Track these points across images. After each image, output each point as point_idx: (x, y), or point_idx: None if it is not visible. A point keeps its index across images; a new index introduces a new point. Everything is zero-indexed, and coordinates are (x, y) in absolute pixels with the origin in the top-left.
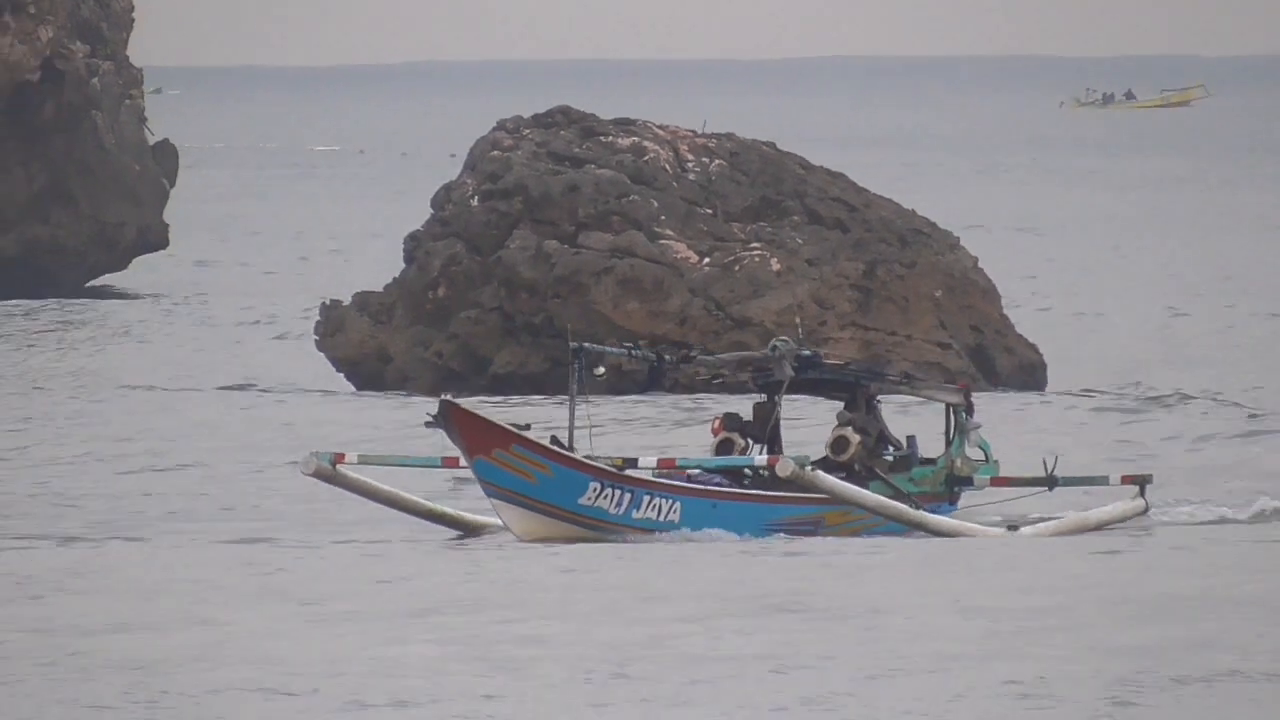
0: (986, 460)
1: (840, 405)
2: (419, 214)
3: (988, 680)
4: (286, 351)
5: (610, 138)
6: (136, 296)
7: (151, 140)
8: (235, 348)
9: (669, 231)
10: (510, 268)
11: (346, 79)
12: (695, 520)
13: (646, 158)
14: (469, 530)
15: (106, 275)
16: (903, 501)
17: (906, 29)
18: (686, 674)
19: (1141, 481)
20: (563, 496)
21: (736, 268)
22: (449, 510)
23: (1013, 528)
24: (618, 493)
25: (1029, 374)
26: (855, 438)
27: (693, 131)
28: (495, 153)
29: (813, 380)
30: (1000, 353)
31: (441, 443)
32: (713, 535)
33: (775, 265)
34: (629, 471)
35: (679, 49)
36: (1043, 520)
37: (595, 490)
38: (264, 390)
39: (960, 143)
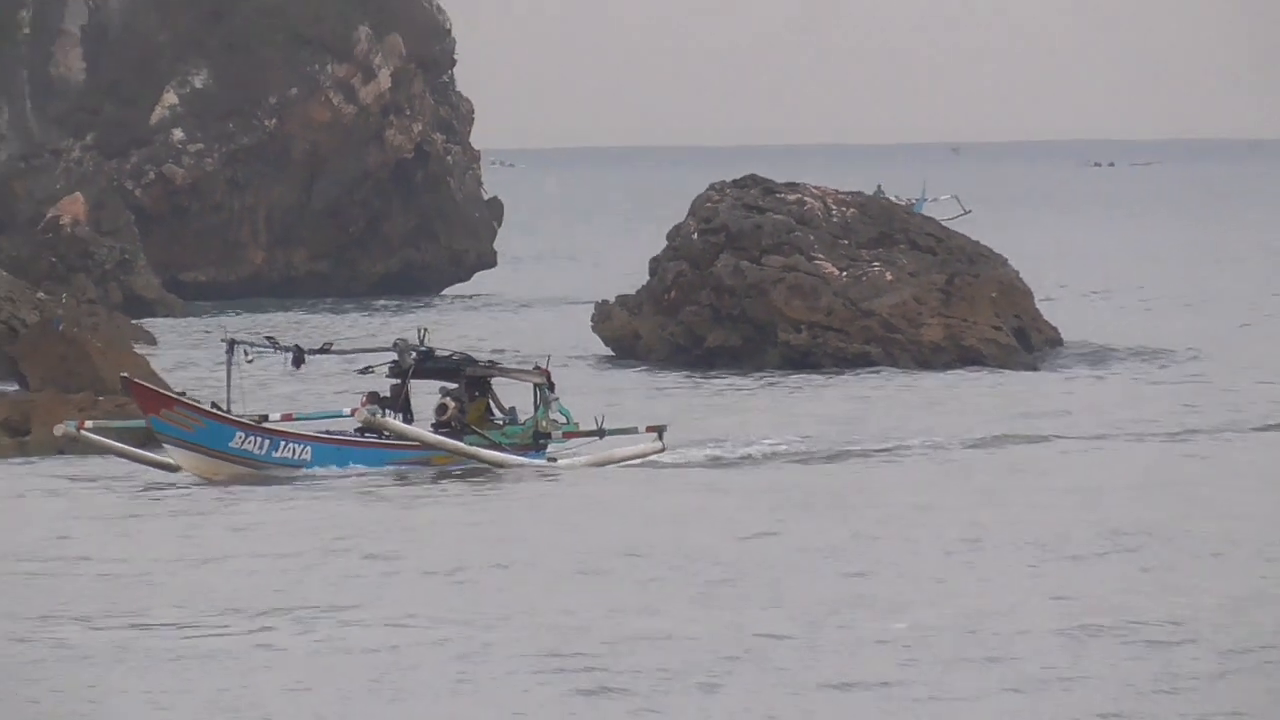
0: (567, 421)
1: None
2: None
3: None
4: (571, 330)
5: (782, 194)
6: (479, 297)
7: (486, 196)
8: (538, 328)
9: (820, 255)
10: (718, 278)
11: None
12: (324, 460)
13: (806, 207)
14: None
15: (455, 285)
16: (496, 450)
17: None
18: None
19: (659, 429)
20: (216, 442)
21: (863, 278)
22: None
23: (552, 459)
24: (259, 439)
25: (1052, 344)
26: (451, 404)
27: (836, 190)
28: (708, 204)
29: (430, 367)
30: (1033, 331)
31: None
32: (342, 471)
33: (889, 276)
34: (265, 424)
35: (846, 135)
36: (577, 456)
37: (241, 438)
38: (563, 358)
39: None
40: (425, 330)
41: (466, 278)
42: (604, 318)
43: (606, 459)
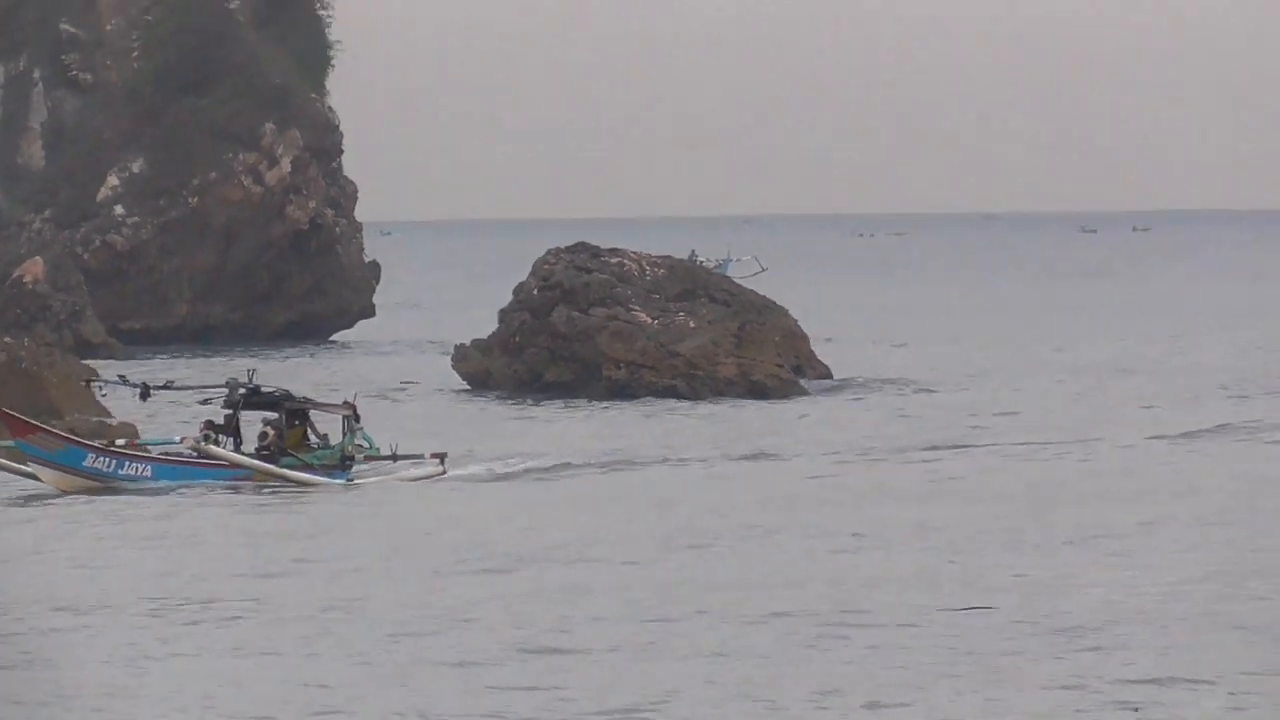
0: (369, 447)
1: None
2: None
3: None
4: (435, 368)
5: (606, 258)
6: (361, 341)
7: (367, 260)
8: (408, 366)
9: (636, 307)
10: (554, 326)
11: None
12: (163, 477)
13: (625, 268)
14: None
15: (342, 331)
16: (307, 471)
17: None
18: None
19: (442, 455)
20: (72, 461)
21: (671, 325)
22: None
23: (350, 479)
24: (108, 459)
25: (824, 379)
26: (272, 431)
27: (650, 254)
28: (546, 265)
29: (256, 401)
30: (809, 369)
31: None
32: (177, 486)
33: (692, 324)
34: (112, 447)
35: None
36: (373, 476)
37: (93, 458)
38: (427, 390)
39: None
40: (253, 370)
41: (351, 325)
42: (461, 357)
43: (396, 479)
